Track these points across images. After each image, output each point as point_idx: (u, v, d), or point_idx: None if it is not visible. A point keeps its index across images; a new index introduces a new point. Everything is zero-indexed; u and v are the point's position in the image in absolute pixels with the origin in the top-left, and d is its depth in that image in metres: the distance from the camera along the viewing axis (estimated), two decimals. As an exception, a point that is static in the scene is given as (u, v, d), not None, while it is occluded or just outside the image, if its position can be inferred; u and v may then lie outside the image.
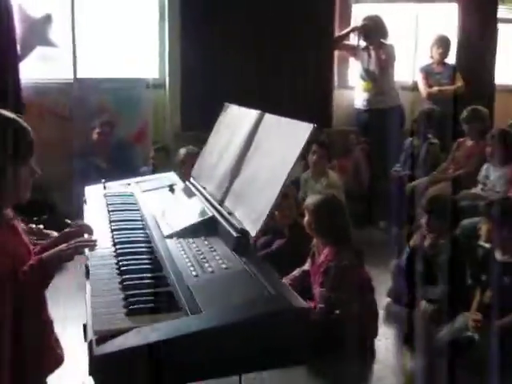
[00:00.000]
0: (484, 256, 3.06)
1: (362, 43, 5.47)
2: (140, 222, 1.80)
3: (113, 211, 1.90)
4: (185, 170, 4.42)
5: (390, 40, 5.50)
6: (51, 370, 1.56)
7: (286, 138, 1.50)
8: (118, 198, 2.06)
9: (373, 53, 5.37)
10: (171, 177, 2.36)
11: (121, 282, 1.30)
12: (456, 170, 4.82)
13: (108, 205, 1.99)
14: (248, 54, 5.36)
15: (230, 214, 1.61)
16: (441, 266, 3.42)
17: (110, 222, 1.78)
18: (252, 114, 1.84)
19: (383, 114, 5.37)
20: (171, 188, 2.13)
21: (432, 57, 5.86)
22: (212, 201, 1.76)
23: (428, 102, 5.72)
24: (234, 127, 1.96)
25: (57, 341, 1.62)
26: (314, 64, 5.62)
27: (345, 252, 3.00)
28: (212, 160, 2.00)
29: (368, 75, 5.49)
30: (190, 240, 1.56)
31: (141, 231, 1.71)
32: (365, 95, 5.53)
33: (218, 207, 1.70)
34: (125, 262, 1.41)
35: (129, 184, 2.30)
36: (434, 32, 5.91)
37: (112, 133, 4.83)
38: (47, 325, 1.59)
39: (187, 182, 2.11)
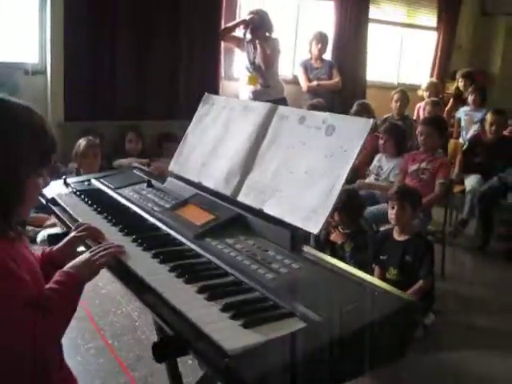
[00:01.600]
0: (383, 238, 3.30)
1: (248, 36, 5.50)
2: (147, 223, 1.62)
3: (103, 211, 1.68)
4: (86, 162, 4.11)
5: (274, 34, 5.61)
6: None
7: (335, 132, 1.44)
8: (96, 197, 1.83)
9: (258, 46, 5.42)
10: (132, 172, 2.16)
11: (201, 291, 1.15)
12: (347, 161, 5.04)
13: (91, 204, 1.76)
14: (135, 43, 5.14)
15: (261, 209, 1.51)
16: (350, 253, 3.60)
17: (114, 223, 1.57)
18: (258, 105, 1.75)
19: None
20: (150, 184, 1.94)
21: (311, 52, 6.08)
22: (228, 196, 1.64)
23: (308, 96, 5.94)
24: (228, 118, 1.84)
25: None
26: (201, 55, 5.56)
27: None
28: (202, 154, 1.86)
29: (254, 68, 5.54)
30: (228, 240, 1.43)
31: (158, 232, 1.54)
32: (250, 87, 5.58)
33: (242, 202, 1.59)
34: (185, 269, 1.26)
35: (89, 180, 2.06)
36: (313, 28, 6.14)
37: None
38: (61, 346, 1.39)
39: (169, 178, 1.94)
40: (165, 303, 1.12)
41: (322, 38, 6.04)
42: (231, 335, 0.99)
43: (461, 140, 5.76)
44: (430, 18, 7.36)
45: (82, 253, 1.39)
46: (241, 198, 1.62)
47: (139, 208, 1.72)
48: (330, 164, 1.40)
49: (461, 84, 6.44)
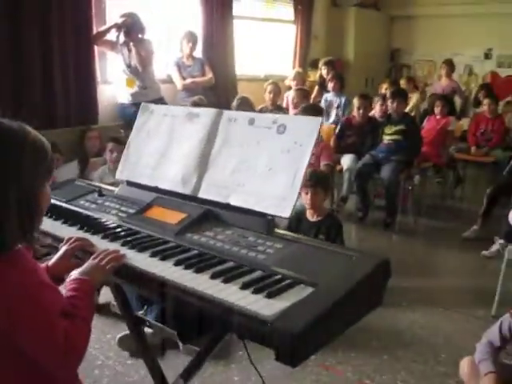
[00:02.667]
0: (297, 218, 3.61)
1: (122, 39, 5.56)
2: (123, 228, 1.74)
3: (74, 223, 1.77)
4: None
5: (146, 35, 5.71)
6: None
7: (287, 130, 1.68)
8: (57, 211, 1.89)
9: (133, 48, 5.51)
10: (73, 184, 2.24)
11: (214, 277, 1.34)
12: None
13: (56, 219, 1.83)
14: (7, 54, 4.95)
15: (228, 203, 1.72)
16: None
17: (93, 233, 1.68)
18: (203, 111, 1.94)
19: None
20: (101, 193, 2.05)
21: (182, 51, 6.26)
22: (189, 195, 1.82)
23: (184, 94, 6.15)
24: (172, 125, 2.00)
25: None
26: (75, 62, 5.49)
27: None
28: (150, 159, 2.00)
29: (130, 70, 5.63)
30: (207, 233, 1.62)
31: (140, 235, 1.68)
32: (128, 90, 5.65)
33: (205, 199, 1.77)
34: (188, 262, 1.43)
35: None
36: (182, 27, 6.32)
37: None
38: None
39: (121, 185, 2.06)
40: (189, 293, 1.29)
41: (191, 37, 6.24)
42: (262, 305, 1.20)
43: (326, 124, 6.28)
44: (287, 11, 7.86)
45: (76, 263, 1.49)
46: (202, 195, 1.81)
47: (106, 216, 1.84)
48: (288, 158, 1.64)
49: (324, 72, 7.00)
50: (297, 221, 3.52)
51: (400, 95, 5.38)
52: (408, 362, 2.97)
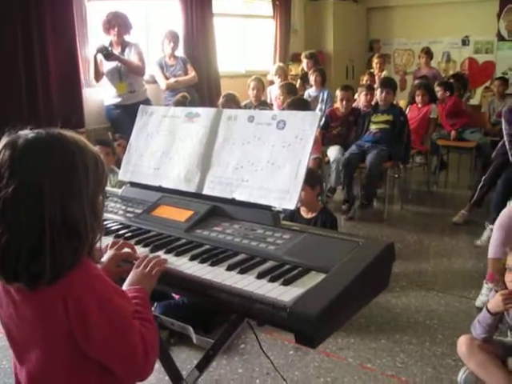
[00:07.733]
0: (291, 215, 3.67)
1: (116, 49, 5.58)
2: (133, 228, 1.80)
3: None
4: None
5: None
6: None
7: (287, 126, 1.75)
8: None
9: (132, 54, 5.56)
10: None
11: (230, 269, 1.41)
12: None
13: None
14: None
15: (233, 198, 1.79)
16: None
17: (105, 234, 1.74)
18: (203, 111, 2.00)
19: (134, 109, 5.55)
20: (105, 194, 2.09)
21: (163, 51, 6.29)
22: (193, 192, 1.87)
23: (168, 93, 6.18)
24: (172, 125, 2.06)
25: None
26: (59, 65, 5.50)
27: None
28: (152, 160, 2.06)
29: (120, 75, 5.64)
30: (216, 228, 1.69)
31: (151, 233, 1.74)
32: (115, 92, 5.66)
33: (210, 195, 1.83)
34: (203, 256, 1.50)
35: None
36: (162, 27, 6.34)
37: None
38: None
39: (124, 186, 2.12)
40: (208, 285, 1.36)
41: (172, 37, 6.25)
42: (280, 293, 1.27)
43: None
44: (265, 7, 7.92)
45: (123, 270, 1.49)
46: (206, 192, 1.87)
47: (114, 217, 1.89)
48: (289, 152, 1.71)
49: (306, 65, 7.07)
50: (291, 219, 3.57)
51: (389, 85, 5.43)
52: (406, 344, 3.06)
